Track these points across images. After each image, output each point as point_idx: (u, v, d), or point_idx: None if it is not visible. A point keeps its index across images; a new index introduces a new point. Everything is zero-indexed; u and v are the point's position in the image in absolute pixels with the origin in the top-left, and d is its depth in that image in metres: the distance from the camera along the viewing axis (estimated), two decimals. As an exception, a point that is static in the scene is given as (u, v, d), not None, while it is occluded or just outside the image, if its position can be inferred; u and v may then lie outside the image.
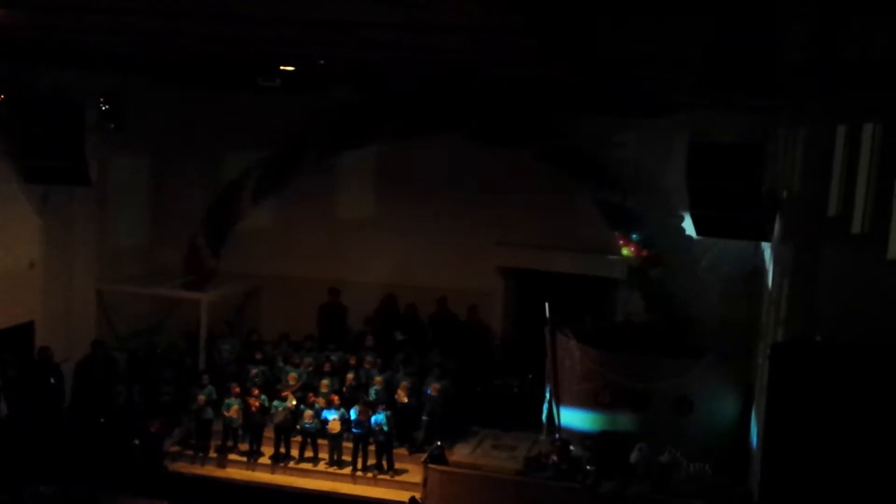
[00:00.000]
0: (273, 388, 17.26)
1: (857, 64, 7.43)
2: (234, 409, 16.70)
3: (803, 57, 8.09)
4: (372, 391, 16.96)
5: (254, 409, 16.72)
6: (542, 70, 12.14)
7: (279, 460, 16.76)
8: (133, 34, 11.05)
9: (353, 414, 16.42)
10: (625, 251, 17.71)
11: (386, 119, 18.37)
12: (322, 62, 13.18)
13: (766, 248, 15.86)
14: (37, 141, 15.16)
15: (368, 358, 17.62)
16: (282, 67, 14.24)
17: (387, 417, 16.22)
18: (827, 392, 5.37)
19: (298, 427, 16.70)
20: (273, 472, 16.65)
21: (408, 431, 16.94)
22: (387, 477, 16.38)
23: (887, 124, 7.28)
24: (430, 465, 15.44)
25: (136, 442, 16.16)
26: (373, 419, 16.23)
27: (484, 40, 9.31)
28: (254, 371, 17.61)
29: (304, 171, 18.99)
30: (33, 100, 15.07)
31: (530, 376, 17.47)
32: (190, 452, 16.94)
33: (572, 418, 16.45)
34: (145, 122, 18.18)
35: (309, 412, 16.58)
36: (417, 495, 15.29)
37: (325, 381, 17.20)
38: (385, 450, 16.43)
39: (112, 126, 16.37)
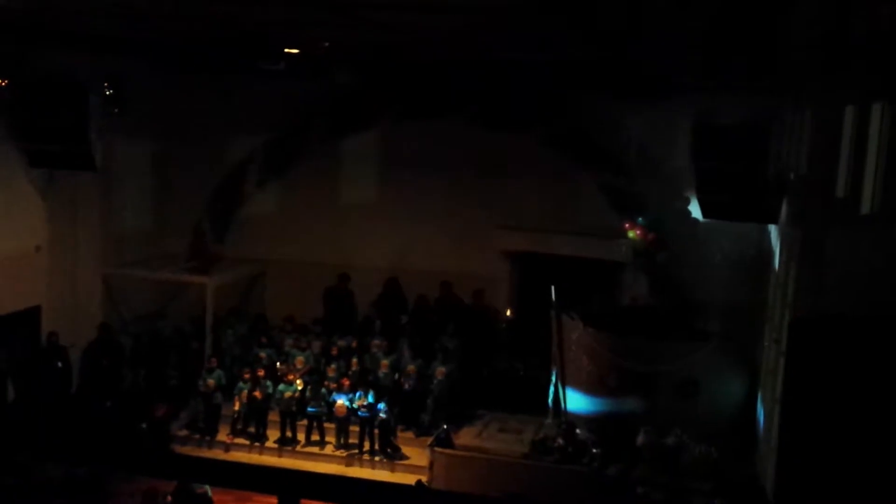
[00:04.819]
0: (277, 372, 17.27)
1: (864, 42, 7.36)
2: (244, 394, 16.74)
3: (810, 35, 8.02)
4: (381, 375, 17.00)
5: (257, 393, 16.76)
6: (546, 51, 12.07)
7: (285, 444, 16.82)
8: (136, 17, 11.00)
9: (356, 399, 16.44)
10: (631, 234, 17.65)
11: (389, 102, 18.30)
12: (326, 44, 13.13)
13: (773, 230, 15.79)
14: (41, 125, 15.15)
15: (375, 342, 17.63)
16: (286, 50, 14.21)
17: (383, 401, 16.23)
18: (846, 364, 5.34)
19: (305, 411, 16.74)
20: (280, 456, 16.69)
21: (414, 415, 16.97)
22: (393, 460, 16.44)
23: None
24: (437, 449, 15.45)
25: (143, 426, 16.21)
26: (379, 406, 16.27)
27: (486, 21, 9.26)
28: (261, 355, 17.64)
29: (307, 155, 18.95)
30: (37, 84, 15.05)
31: (534, 361, 17.43)
32: (197, 436, 17.00)
33: (578, 401, 16.44)
34: (149, 107, 18.12)
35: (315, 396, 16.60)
36: (424, 478, 15.29)
37: (331, 366, 17.24)
38: (386, 433, 16.46)
39: (116, 110, 16.32)
